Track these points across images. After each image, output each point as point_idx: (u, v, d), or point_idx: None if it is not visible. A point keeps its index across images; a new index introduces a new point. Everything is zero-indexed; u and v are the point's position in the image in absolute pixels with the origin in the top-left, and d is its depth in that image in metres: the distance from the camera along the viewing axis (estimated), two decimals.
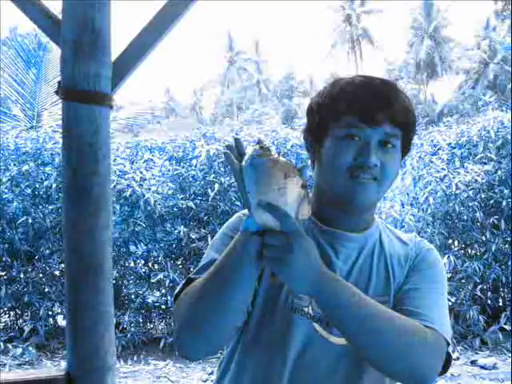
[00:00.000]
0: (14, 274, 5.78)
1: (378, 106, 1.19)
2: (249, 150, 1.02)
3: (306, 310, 1.22)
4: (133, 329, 5.79)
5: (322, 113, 1.24)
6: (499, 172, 5.96)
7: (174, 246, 6.15)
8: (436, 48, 42.13)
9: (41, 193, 5.98)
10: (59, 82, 1.94)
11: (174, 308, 1.19)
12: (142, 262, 6.19)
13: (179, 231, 5.88)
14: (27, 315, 6.03)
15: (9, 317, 6.15)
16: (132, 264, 6.11)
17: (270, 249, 1.02)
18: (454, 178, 5.89)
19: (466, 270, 5.79)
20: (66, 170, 1.94)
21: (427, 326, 1.15)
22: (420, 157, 6.39)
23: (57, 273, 5.91)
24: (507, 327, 5.81)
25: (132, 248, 6.14)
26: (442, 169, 6.01)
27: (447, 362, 1.19)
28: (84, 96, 1.89)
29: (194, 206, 5.85)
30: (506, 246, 5.96)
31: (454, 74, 42.98)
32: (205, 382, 5.07)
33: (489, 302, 6.01)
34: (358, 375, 1.22)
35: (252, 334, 1.24)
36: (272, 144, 6.16)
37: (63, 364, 5.29)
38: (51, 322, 6.01)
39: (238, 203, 5.87)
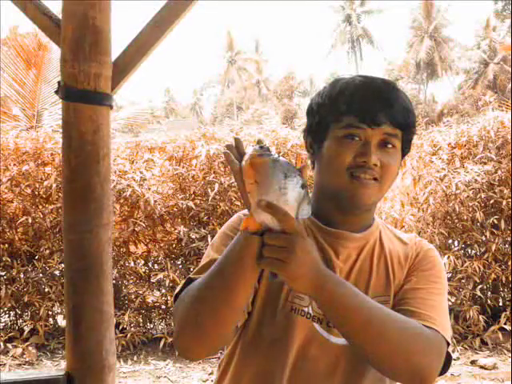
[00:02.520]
0: (13, 273, 5.77)
1: (378, 106, 1.19)
2: (249, 150, 1.02)
3: (306, 310, 1.22)
4: (133, 329, 5.78)
5: (322, 113, 1.24)
6: (499, 172, 5.95)
7: (173, 245, 6.14)
8: (436, 48, 42.15)
9: (41, 193, 5.98)
10: (59, 82, 1.94)
11: (173, 308, 1.19)
12: (142, 262, 6.19)
13: (179, 231, 5.87)
14: (27, 315, 6.02)
15: (9, 317, 6.14)
16: (132, 264, 6.10)
17: (269, 249, 1.01)
18: (453, 177, 5.89)
19: (466, 270, 5.79)
20: (65, 169, 1.95)
21: (427, 325, 1.15)
22: (420, 157, 6.38)
23: (57, 273, 5.91)
24: (507, 327, 5.80)
25: (132, 248, 6.13)
26: (442, 169, 6.01)
27: (447, 361, 1.19)
28: (84, 96, 1.90)
29: (193, 206, 5.84)
30: (506, 245, 5.95)
31: (454, 73, 43.00)
32: (205, 382, 5.07)
33: (489, 302, 6.00)
34: (358, 375, 1.22)
35: (252, 334, 1.24)
36: (272, 144, 6.16)
37: (63, 364, 5.28)
38: (51, 322, 6.01)
39: (238, 203, 5.87)
